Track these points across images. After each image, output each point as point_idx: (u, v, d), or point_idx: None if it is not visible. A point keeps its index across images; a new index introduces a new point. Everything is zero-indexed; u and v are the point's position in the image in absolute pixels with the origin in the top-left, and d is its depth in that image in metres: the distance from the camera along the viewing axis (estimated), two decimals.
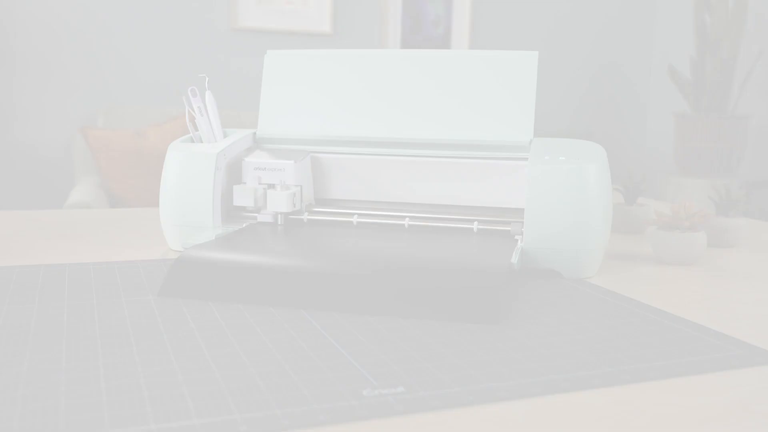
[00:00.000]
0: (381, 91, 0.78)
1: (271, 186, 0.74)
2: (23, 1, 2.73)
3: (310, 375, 0.41)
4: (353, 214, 0.74)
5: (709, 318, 0.55)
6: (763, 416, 0.37)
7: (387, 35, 3.26)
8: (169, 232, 0.73)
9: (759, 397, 0.40)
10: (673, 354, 0.46)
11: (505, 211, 0.74)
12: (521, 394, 0.39)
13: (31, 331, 0.47)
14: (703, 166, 3.08)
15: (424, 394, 0.38)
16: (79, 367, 0.41)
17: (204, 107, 0.77)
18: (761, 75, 3.22)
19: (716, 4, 3.01)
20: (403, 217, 0.73)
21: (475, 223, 0.71)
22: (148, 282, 0.60)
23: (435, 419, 0.36)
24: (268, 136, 0.79)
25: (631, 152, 3.84)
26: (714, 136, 3.03)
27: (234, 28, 3.01)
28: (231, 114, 2.88)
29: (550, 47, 3.57)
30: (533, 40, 3.53)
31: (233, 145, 0.75)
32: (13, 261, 0.68)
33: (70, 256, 0.71)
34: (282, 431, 0.34)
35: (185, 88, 2.95)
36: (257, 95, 3.09)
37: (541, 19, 3.53)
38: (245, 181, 0.74)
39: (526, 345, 0.47)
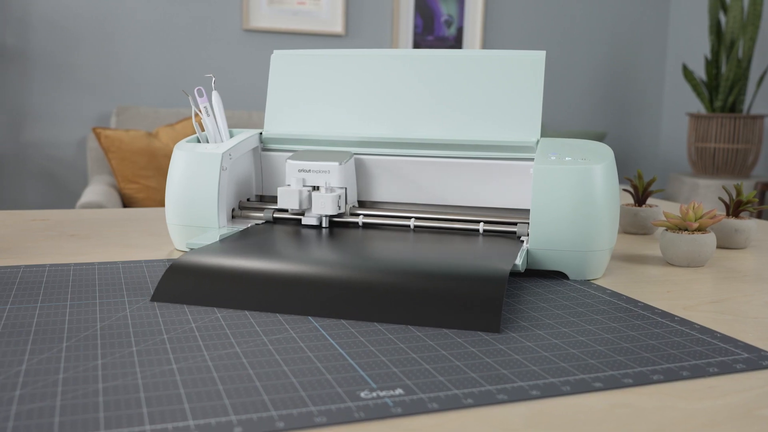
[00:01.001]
0: (387, 91, 0.77)
1: (316, 188, 0.73)
2: (36, 2, 2.75)
3: (308, 376, 0.40)
4: (359, 215, 0.74)
5: (716, 321, 0.54)
6: None
7: (399, 36, 3.25)
8: (174, 231, 0.73)
9: (765, 401, 0.39)
10: (677, 357, 0.45)
11: (511, 211, 0.74)
12: (521, 398, 0.38)
13: (31, 331, 0.47)
14: (717, 166, 3.06)
15: (422, 397, 0.38)
16: (77, 367, 0.41)
17: (210, 107, 0.77)
18: None
19: (731, 4, 2.98)
20: (409, 218, 0.73)
21: (481, 224, 0.71)
22: (150, 282, 0.60)
23: (434, 422, 0.35)
24: (274, 136, 0.79)
25: (644, 152, 3.81)
26: (728, 136, 3.01)
27: (246, 29, 3.02)
28: (242, 114, 2.89)
29: (563, 47, 3.55)
30: (546, 39, 3.51)
31: (239, 145, 0.74)
32: (19, 260, 0.68)
33: (76, 256, 0.71)
34: None
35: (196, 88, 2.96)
36: None
37: (555, 18, 3.51)
38: (289, 183, 0.73)
39: (527, 347, 0.46)
